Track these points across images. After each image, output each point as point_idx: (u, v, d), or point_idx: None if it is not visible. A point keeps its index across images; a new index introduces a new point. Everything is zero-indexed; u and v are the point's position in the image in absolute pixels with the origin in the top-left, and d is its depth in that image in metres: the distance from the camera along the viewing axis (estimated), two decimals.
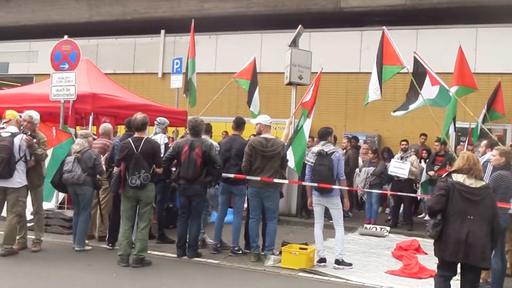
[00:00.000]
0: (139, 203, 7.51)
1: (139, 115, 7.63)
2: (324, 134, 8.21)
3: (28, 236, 8.27)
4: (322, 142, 8.18)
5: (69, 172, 8.04)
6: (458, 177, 5.48)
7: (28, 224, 8.47)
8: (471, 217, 5.32)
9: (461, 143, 13.11)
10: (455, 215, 5.34)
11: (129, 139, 7.56)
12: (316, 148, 8.18)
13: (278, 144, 8.11)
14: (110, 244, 8.37)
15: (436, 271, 5.75)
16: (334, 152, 7.94)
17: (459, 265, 5.56)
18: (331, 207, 8.00)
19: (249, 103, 12.29)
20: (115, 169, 7.44)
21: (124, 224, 7.52)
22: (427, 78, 9.23)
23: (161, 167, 7.71)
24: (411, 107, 9.55)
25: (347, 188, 8.27)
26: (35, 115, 8.21)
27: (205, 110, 12.22)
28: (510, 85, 12.72)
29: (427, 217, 12.47)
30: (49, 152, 9.58)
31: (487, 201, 5.42)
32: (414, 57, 9.35)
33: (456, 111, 10.49)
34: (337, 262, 7.89)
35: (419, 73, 9.33)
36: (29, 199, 8.24)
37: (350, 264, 7.96)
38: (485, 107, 11.59)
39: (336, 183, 7.92)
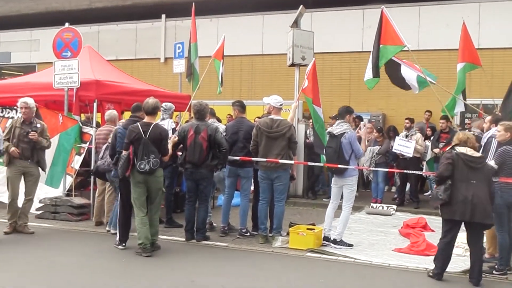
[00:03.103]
0: (149, 189, 7.40)
1: (151, 99, 7.50)
2: (342, 113, 8.04)
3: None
4: (337, 122, 8.08)
5: (102, 159, 8.20)
6: (461, 149, 6.30)
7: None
8: (474, 182, 6.16)
9: (466, 120, 13.09)
10: (462, 180, 6.16)
11: (138, 123, 7.45)
12: (329, 129, 8.18)
13: (284, 125, 8.06)
14: (124, 244, 7.63)
15: (441, 236, 6.47)
16: (344, 133, 7.83)
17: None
18: (345, 187, 7.95)
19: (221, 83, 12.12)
20: (124, 153, 7.29)
21: (139, 212, 7.34)
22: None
23: (166, 154, 7.59)
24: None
25: (357, 167, 8.20)
26: (31, 101, 8.36)
27: (207, 94, 12.20)
28: None
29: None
30: (55, 139, 9.69)
31: (485, 168, 6.31)
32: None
33: (462, 87, 10.40)
34: (335, 241, 7.90)
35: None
36: (22, 186, 8.43)
37: (351, 245, 7.93)
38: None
39: (350, 164, 7.82)
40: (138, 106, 8.00)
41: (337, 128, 7.93)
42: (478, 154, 6.37)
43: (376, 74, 9.29)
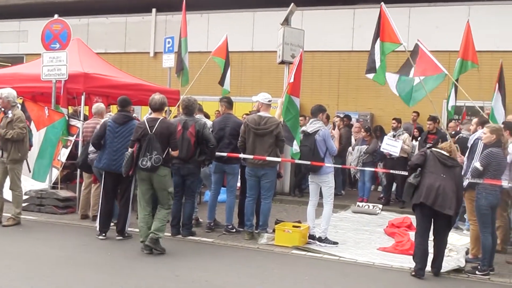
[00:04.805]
0: (155, 188, 7.17)
1: (157, 95, 7.33)
2: (315, 112, 8.17)
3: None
4: (310, 120, 8.20)
5: (94, 153, 8.01)
6: (438, 149, 6.73)
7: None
8: (444, 176, 6.51)
9: (453, 120, 13.17)
10: (432, 172, 6.54)
11: (144, 119, 7.31)
12: (303, 128, 8.24)
13: (272, 123, 8.07)
14: (104, 235, 7.78)
15: (415, 231, 6.78)
16: (317, 131, 7.93)
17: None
18: (322, 185, 8.03)
19: (222, 82, 12.12)
20: (129, 150, 7.09)
21: (143, 209, 7.22)
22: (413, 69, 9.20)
23: (177, 149, 7.32)
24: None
25: (337, 166, 8.27)
26: (7, 92, 8.30)
27: (196, 90, 12.16)
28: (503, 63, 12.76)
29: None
30: (42, 132, 9.63)
31: (457, 169, 6.68)
32: (416, 44, 9.23)
33: (454, 78, 10.51)
34: (319, 239, 7.95)
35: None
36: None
37: (336, 243, 7.96)
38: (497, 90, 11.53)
39: (325, 162, 7.90)
40: (127, 100, 7.93)
41: (311, 126, 8.04)
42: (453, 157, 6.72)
43: (371, 69, 9.30)
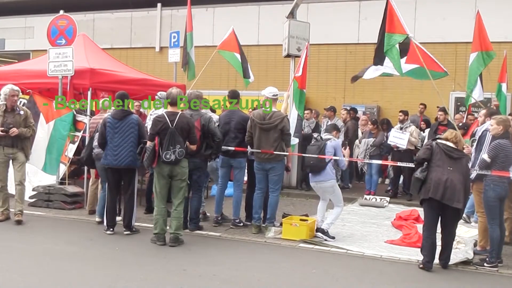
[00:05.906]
0: (173, 179, 7.26)
1: (174, 89, 7.40)
2: (329, 129, 8.36)
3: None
4: (324, 134, 8.36)
5: (99, 148, 8.02)
6: (443, 141, 6.65)
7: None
8: (451, 169, 6.46)
9: (460, 112, 13.12)
10: (439, 166, 6.50)
11: (163, 113, 7.33)
12: (315, 135, 8.49)
13: (277, 117, 8.07)
14: (112, 230, 7.83)
15: (423, 224, 6.75)
16: (330, 139, 8.00)
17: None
18: (328, 194, 8.03)
19: (247, 74, 12.15)
20: (149, 144, 7.16)
21: (159, 202, 7.31)
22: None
23: (196, 143, 7.46)
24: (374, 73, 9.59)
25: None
26: (17, 89, 8.39)
27: (202, 84, 12.18)
28: (509, 54, 12.66)
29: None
30: (51, 124, 9.69)
31: (464, 160, 6.64)
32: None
33: (475, 77, 10.47)
34: (322, 231, 7.90)
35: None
36: (11, 172, 8.39)
37: (333, 237, 7.86)
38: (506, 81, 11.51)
39: (327, 169, 7.82)
40: (125, 95, 7.94)
41: (325, 135, 8.19)
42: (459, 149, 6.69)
43: (378, 62, 9.32)
